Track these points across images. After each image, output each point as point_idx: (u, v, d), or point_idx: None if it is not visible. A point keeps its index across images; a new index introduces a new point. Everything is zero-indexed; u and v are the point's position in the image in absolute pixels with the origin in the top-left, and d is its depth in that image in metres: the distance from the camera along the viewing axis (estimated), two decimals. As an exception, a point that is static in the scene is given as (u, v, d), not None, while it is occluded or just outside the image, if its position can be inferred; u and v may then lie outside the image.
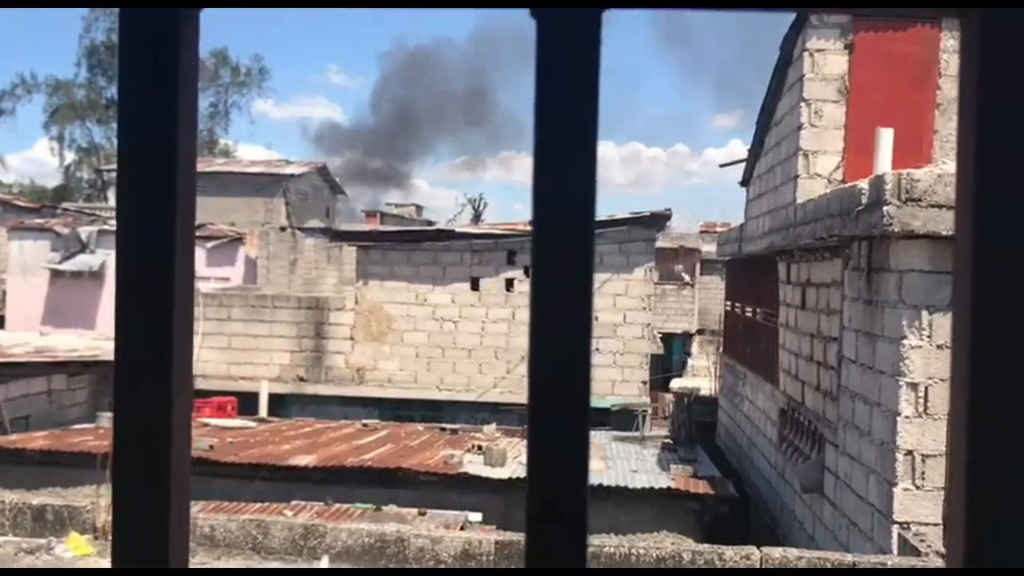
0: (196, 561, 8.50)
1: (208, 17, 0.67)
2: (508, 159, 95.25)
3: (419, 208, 45.07)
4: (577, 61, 0.59)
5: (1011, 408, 0.57)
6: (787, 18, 10.90)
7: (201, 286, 21.94)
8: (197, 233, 0.72)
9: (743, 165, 15.49)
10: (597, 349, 19.80)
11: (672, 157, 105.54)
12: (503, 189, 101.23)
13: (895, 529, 7.43)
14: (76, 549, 9.21)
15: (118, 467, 0.63)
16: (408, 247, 21.01)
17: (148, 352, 0.62)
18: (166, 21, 0.60)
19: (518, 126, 67.62)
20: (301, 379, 21.09)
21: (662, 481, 11.99)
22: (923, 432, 7.38)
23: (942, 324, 7.29)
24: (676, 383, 18.81)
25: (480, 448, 13.66)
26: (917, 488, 7.40)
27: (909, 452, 7.38)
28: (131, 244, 0.62)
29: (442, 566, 8.26)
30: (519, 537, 9.77)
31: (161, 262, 0.62)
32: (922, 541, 7.13)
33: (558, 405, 0.60)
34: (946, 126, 10.59)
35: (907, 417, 7.38)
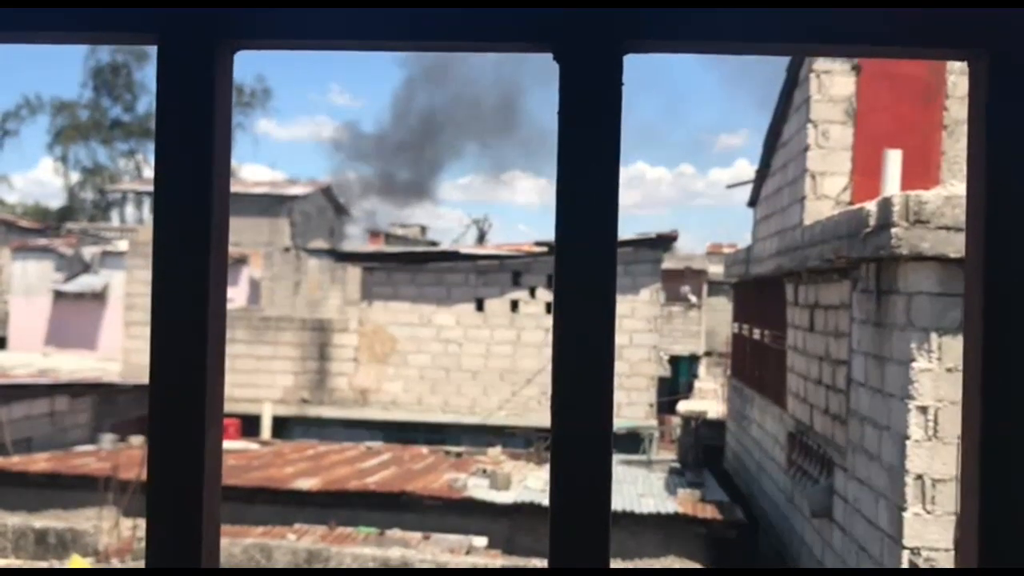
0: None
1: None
2: (514, 179, 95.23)
3: (423, 228, 45.07)
4: (599, 103, 0.61)
5: (1021, 414, 0.60)
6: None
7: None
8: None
9: (750, 186, 15.44)
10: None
11: (678, 178, 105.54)
12: (508, 209, 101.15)
13: (905, 554, 7.33)
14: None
15: (153, 472, 0.65)
16: (413, 268, 20.96)
17: (184, 372, 0.65)
18: (203, 60, 0.61)
19: (529, 144, 67.41)
20: (304, 401, 21.01)
21: (669, 506, 11.88)
22: (933, 456, 7.29)
23: (951, 347, 7.20)
24: (683, 406, 18.67)
25: (485, 472, 13.56)
26: (927, 513, 7.29)
27: (919, 476, 7.28)
28: (167, 274, 0.64)
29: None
30: (525, 562, 9.67)
31: (195, 291, 0.64)
32: (933, 567, 7.03)
33: (582, 411, 0.61)
34: (954, 147, 10.53)
35: (917, 441, 7.28)
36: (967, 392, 0.63)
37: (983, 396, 0.60)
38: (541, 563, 10.25)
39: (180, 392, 0.64)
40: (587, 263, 0.60)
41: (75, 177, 55.25)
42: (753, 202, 15.16)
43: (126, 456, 14.19)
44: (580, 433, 0.61)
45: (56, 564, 9.65)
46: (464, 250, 22.43)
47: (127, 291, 23.54)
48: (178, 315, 0.63)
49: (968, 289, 0.62)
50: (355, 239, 36.82)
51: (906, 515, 7.32)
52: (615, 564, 10.16)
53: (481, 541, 11.36)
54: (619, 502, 11.93)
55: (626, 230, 22.37)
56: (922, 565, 7.11)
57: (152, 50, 0.63)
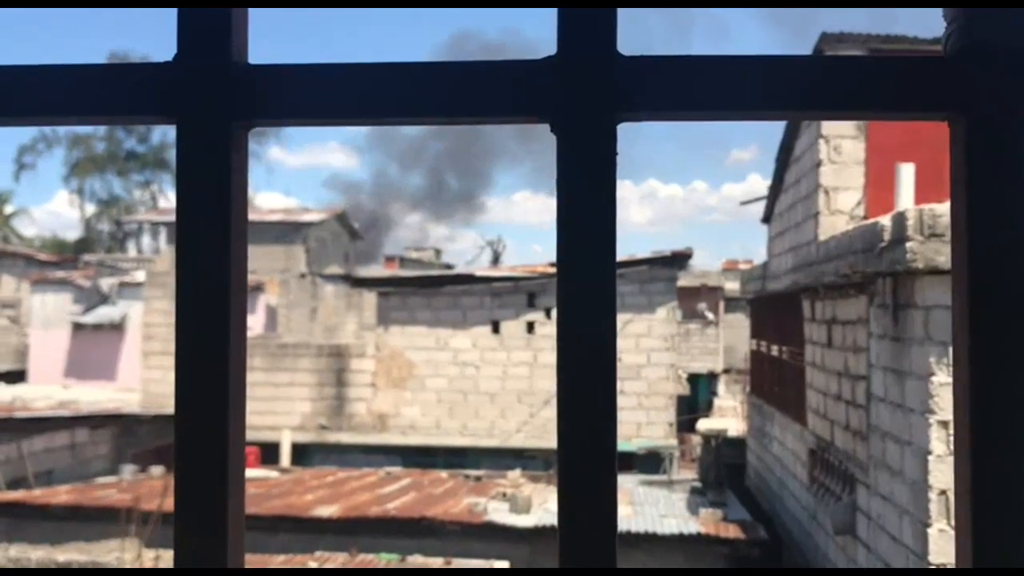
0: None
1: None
2: (525, 200, 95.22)
3: (438, 252, 45.21)
4: (594, 170, 0.64)
5: (1009, 416, 0.63)
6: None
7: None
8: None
9: (763, 202, 15.44)
10: (622, 391, 19.66)
11: (691, 194, 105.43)
12: (522, 230, 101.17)
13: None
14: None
15: (180, 469, 0.68)
16: (428, 292, 21.01)
17: (207, 378, 0.70)
18: (218, 139, 0.65)
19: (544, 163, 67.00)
20: (323, 427, 21.03)
21: (691, 526, 11.82)
22: (956, 470, 7.24)
23: (971, 360, 7.18)
24: (703, 424, 18.60)
25: (505, 495, 13.53)
26: (952, 528, 7.25)
27: (942, 492, 7.24)
28: (189, 314, 0.68)
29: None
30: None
31: (217, 328, 0.70)
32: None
33: (586, 429, 0.65)
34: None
35: (939, 456, 7.24)
36: (957, 395, 0.66)
37: (970, 398, 0.63)
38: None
39: (205, 405, 0.69)
40: (588, 314, 0.64)
41: (91, 209, 55.70)
42: (767, 218, 15.15)
43: (147, 487, 14.24)
44: (585, 446, 0.65)
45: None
46: (479, 272, 22.46)
47: (145, 321, 23.66)
48: (200, 395, 0.68)
49: (955, 305, 0.66)
50: (395, 255, 36.77)
51: (931, 531, 7.27)
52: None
53: (503, 565, 11.33)
54: (641, 523, 11.88)
55: (640, 248, 22.33)
56: (948, 581, 7.05)
57: None
